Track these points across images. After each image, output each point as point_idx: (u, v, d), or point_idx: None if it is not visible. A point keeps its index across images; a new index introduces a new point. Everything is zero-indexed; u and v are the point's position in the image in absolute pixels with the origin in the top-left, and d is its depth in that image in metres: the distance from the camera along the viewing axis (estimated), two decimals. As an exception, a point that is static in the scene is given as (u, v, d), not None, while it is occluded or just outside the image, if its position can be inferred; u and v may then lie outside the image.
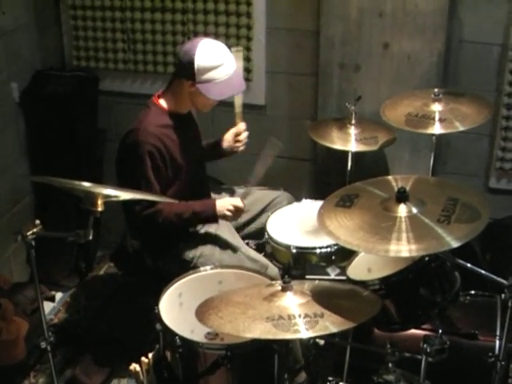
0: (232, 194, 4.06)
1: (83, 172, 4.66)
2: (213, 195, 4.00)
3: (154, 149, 3.52)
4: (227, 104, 3.90)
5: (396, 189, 2.67)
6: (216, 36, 4.37)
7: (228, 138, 4.01)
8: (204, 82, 3.52)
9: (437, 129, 3.66)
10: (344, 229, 2.62)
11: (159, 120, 3.61)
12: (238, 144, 4.01)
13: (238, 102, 3.97)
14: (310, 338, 2.93)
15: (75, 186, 2.91)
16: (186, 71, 3.54)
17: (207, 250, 3.69)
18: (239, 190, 4.03)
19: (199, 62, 3.49)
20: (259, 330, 2.41)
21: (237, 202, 3.71)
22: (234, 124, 4.01)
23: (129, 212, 3.62)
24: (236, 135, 4.01)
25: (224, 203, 3.70)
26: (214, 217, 3.69)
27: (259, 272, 3.42)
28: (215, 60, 3.51)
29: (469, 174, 4.45)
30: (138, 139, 3.52)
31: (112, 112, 4.91)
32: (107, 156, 4.85)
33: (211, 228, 3.77)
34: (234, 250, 3.69)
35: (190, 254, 3.68)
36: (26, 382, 4.01)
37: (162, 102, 3.67)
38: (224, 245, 3.71)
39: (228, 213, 3.68)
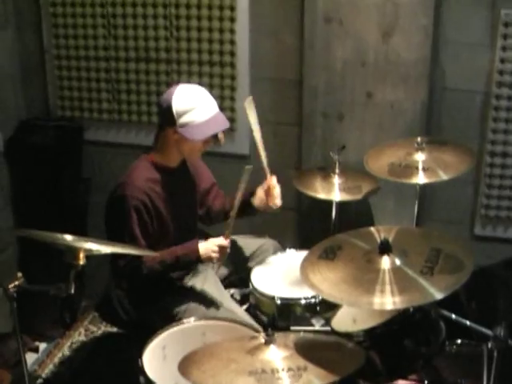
0: None
1: (67, 222, 4.64)
2: None
3: (140, 204, 3.51)
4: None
5: (379, 240, 2.67)
6: (200, 85, 4.38)
7: (260, 196, 3.88)
8: (185, 125, 3.49)
9: (420, 178, 3.67)
10: (327, 282, 2.61)
11: (148, 174, 3.60)
12: (272, 201, 3.84)
13: (263, 156, 3.89)
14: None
15: (57, 239, 2.89)
16: (166, 118, 3.53)
17: (192, 305, 3.65)
18: None
19: (176, 105, 3.48)
20: (242, 385, 2.39)
21: (220, 241, 3.63)
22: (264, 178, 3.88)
23: (113, 265, 3.59)
24: (267, 191, 3.86)
25: (208, 245, 3.62)
26: (198, 260, 3.64)
27: (243, 323, 3.37)
28: (192, 102, 3.50)
29: (454, 221, 4.46)
30: (124, 193, 3.51)
31: (96, 161, 4.90)
32: (91, 205, 4.84)
33: (198, 282, 3.74)
34: (218, 307, 3.64)
35: (176, 309, 3.64)
36: None
37: (152, 156, 3.65)
38: (209, 301, 3.66)
39: (213, 254, 3.63)
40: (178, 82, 4.39)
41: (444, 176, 3.65)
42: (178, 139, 3.56)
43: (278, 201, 3.84)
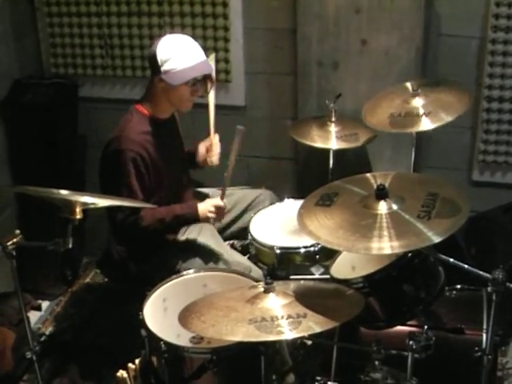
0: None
1: (65, 179, 4.64)
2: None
3: (137, 156, 3.52)
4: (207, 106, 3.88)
5: (375, 186, 2.66)
6: (194, 38, 4.34)
7: (201, 151, 4.00)
8: (167, 72, 3.51)
9: (425, 125, 3.59)
10: (324, 228, 2.61)
11: (141, 127, 3.60)
12: (211, 158, 3.97)
13: (211, 113, 3.93)
14: (294, 338, 2.91)
15: (52, 194, 2.89)
16: (152, 67, 3.56)
17: (190, 257, 3.68)
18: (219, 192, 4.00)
19: (160, 53, 3.50)
20: (242, 333, 2.39)
21: (217, 201, 3.71)
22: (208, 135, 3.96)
23: (112, 220, 3.61)
24: (209, 147, 3.98)
25: (205, 205, 3.69)
26: (196, 219, 3.69)
27: (243, 274, 3.40)
28: (175, 49, 3.52)
29: (451, 167, 4.45)
30: (120, 147, 3.51)
31: (92, 118, 4.89)
32: (89, 162, 4.84)
33: (193, 234, 3.74)
34: (217, 257, 3.66)
35: (174, 261, 3.67)
36: (14, 393, 3.99)
37: (143, 108, 3.66)
38: (206, 252, 3.68)
39: (210, 214, 3.68)
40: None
41: (446, 118, 3.58)
42: (163, 87, 3.57)
43: (215, 159, 3.96)
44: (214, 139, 3.95)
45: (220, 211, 3.72)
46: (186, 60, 3.53)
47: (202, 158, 3.99)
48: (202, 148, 3.99)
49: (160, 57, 3.49)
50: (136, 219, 3.54)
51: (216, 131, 3.96)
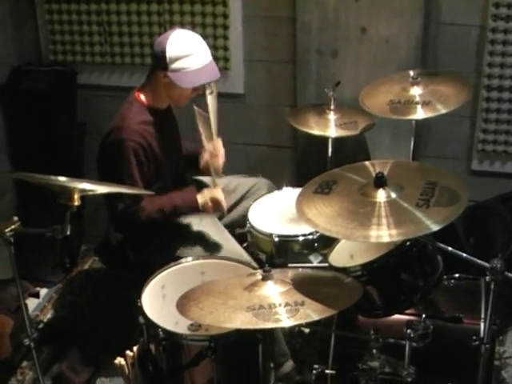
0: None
1: (63, 166, 4.63)
2: None
3: (138, 146, 3.52)
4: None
5: (374, 174, 2.66)
6: (192, 25, 4.36)
7: (205, 159, 3.90)
8: (175, 70, 3.50)
9: (422, 113, 3.61)
10: (323, 216, 2.60)
11: (141, 116, 3.60)
12: (214, 166, 3.85)
13: (213, 117, 3.82)
14: (292, 326, 2.91)
15: (50, 181, 2.89)
16: (159, 62, 3.52)
17: (190, 244, 3.69)
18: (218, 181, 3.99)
19: (170, 50, 3.47)
20: (240, 320, 2.40)
21: (213, 193, 3.68)
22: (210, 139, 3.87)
23: (112, 210, 3.61)
24: (212, 153, 3.89)
25: (204, 197, 3.67)
26: (195, 210, 3.68)
27: (241, 261, 3.40)
28: (186, 49, 3.50)
29: (451, 157, 4.45)
30: (121, 137, 3.51)
31: (91, 105, 4.88)
32: (87, 149, 4.83)
33: (195, 222, 3.77)
34: (217, 247, 3.68)
35: (173, 247, 3.67)
36: (12, 380, 3.98)
37: (142, 98, 3.66)
38: (207, 239, 3.70)
39: (210, 207, 3.67)
40: (170, 23, 4.41)
41: (443, 109, 3.59)
42: (167, 83, 3.56)
43: (220, 166, 3.87)
44: (217, 145, 3.89)
45: (217, 203, 3.68)
46: (196, 63, 3.52)
47: (205, 165, 3.90)
48: (205, 156, 3.89)
49: (169, 54, 3.47)
50: (137, 209, 3.55)
51: (217, 137, 3.88)
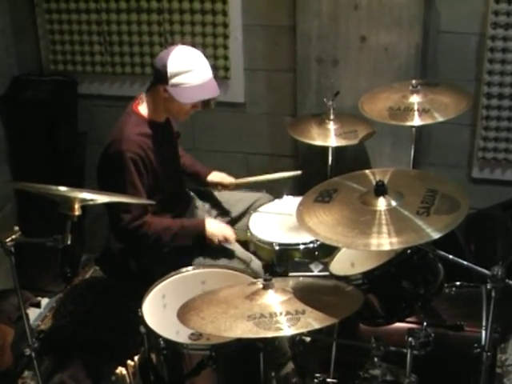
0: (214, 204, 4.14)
1: (64, 176, 4.62)
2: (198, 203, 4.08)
3: (137, 157, 3.53)
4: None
5: (374, 182, 2.66)
6: (192, 35, 4.38)
7: (215, 180, 4.12)
8: (175, 85, 3.51)
9: (420, 120, 3.65)
10: (323, 224, 2.61)
11: (139, 129, 3.60)
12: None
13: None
14: (293, 335, 2.91)
15: (51, 190, 2.89)
16: (160, 76, 3.54)
17: (194, 256, 3.70)
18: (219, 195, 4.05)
19: (171, 65, 3.49)
20: (241, 330, 2.40)
21: (228, 232, 3.74)
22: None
23: (117, 221, 3.59)
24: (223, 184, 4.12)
25: (215, 231, 3.72)
26: (201, 235, 3.70)
27: (242, 270, 3.42)
28: (187, 65, 3.51)
29: (451, 164, 4.45)
30: (120, 148, 3.51)
31: (91, 115, 4.88)
32: (88, 159, 4.83)
33: None
34: (218, 256, 3.70)
35: (174, 256, 3.66)
36: (14, 390, 3.99)
37: (141, 110, 3.66)
38: (210, 250, 3.71)
39: (217, 239, 3.71)
40: (170, 32, 4.42)
41: (440, 118, 3.63)
42: (167, 98, 3.58)
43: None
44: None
45: (227, 241, 3.74)
46: (196, 79, 3.53)
47: (212, 184, 4.12)
48: (215, 177, 4.11)
49: (170, 69, 3.48)
50: (142, 223, 3.55)
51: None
